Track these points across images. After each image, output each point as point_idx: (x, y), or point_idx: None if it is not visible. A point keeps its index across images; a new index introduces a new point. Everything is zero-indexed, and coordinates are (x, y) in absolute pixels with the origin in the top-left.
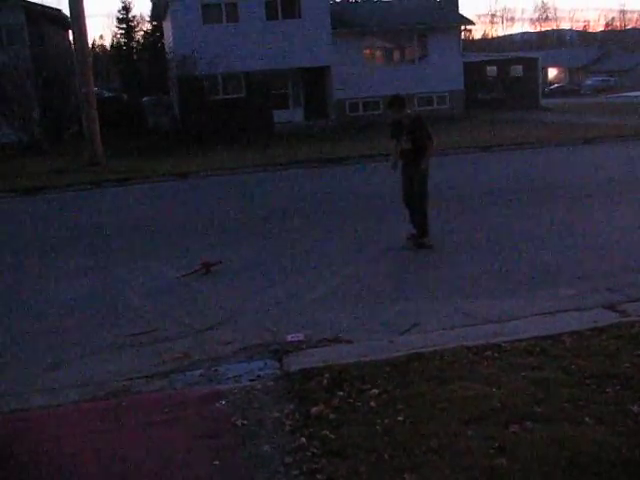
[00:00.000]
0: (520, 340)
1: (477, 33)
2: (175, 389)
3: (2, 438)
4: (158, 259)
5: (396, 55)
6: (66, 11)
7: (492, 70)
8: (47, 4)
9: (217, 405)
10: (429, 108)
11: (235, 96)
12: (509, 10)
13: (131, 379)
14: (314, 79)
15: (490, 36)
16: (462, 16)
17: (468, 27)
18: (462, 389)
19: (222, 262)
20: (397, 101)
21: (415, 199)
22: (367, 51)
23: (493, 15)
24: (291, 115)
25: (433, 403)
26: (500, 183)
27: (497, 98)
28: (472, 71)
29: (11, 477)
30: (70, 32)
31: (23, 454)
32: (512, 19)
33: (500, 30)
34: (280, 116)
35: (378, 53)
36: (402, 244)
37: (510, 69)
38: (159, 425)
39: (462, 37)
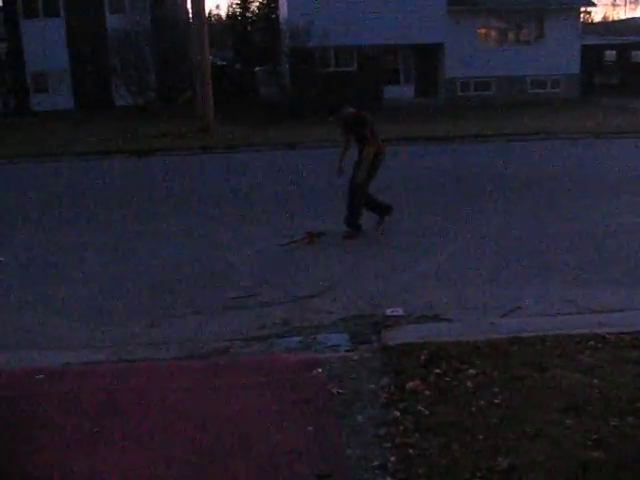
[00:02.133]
0: (626, 333)
1: (597, 16)
2: (273, 353)
3: (107, 385)
4: (262, 225)
5: (511, 35)
6: None
7: (611, 54)
8: None
9: (314, 372)
10: (542, 91)
11: (346, 69)
12: None
13: (230, 341)
14: (427, 56)
15: (611, 19)
16: None
17: (588, 9)
18: (562, 377)
19: (326, 234)
20: (331, 108)
21: (357, 186)
22: (482, 30)
23: None
24: (401, 91)
25: (531, 389)
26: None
27: (615, 84)
28: (590, 55)
29: (115, 423)
30: (188, 1)
31: (126, 403)
32: (636, 1)
33: (622, 13)
34: (390, 92)
35: (493, 32)
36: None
37: (630, 54)
38: (255, 387)
39: (581, 19)
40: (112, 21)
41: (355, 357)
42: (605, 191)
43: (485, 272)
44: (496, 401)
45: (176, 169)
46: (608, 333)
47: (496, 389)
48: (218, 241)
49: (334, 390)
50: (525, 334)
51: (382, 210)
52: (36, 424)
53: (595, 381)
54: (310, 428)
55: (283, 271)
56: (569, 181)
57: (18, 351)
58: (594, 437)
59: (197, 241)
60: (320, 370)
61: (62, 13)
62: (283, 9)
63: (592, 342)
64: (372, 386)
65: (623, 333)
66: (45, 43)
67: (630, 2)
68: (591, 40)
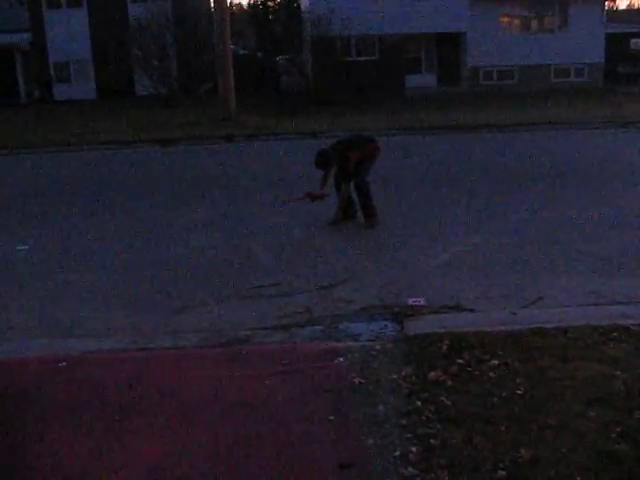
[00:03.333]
0: None
1: (623, 3)
2: (295, 342)
3: (130, 373)
4: (285, 214)
5: (534, 23)
6: None
7: (637, 42)
8: None
9: (335, 362)
10: (565, 80)
11: (368, 58)
12: None
13: (253, 329)
14: (448, 45)
15: (637, 6)
16: None
17: None
18: (585, 369)
19: (328, 195)
20: (322, 160)
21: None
22: (504, 18)
23: None
24: (423, 80)
25: (554, 380)
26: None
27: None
28: (614, 43)
29: (137, 412)
30: None
31: (147, 391)
32: None
33: None
34: (412, 81)
35: (516, 21)
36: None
37: None
38: (277, 376)
39: (606, 7)
40: (134, 10)
41: (377, 347)
42: (631, 181)
43: (508, 263)
44: (518, 392)
45: (198, 158)
46: (632, 324)
47: (518, 380)
48: (241, 230)
49: (356, 379)
50: (547, 325)
51: (347, 213)
52: (58, 412)
53: (619, 373)
54: (332, 417)
55: (305, 260)
56: (595, 171)
57: (40, 338)
58: (618, 429)
59: (220, 229)
60: (342, 359)
61: (85, 3)
62: None
63: (615, 334)
64: (394, 376)
65: None
66: (68, 33)
67: None
68: (616, 28)
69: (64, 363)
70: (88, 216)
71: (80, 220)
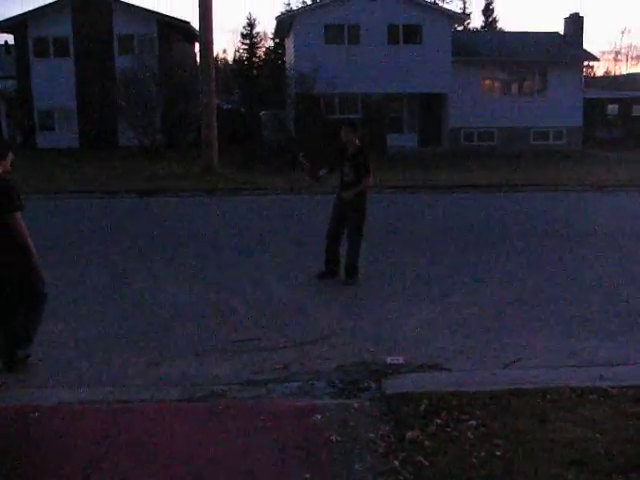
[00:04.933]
0: (628, 387)
1: (600, 70)
2: (272, 399)
3: (105, 425)
4: (264, 269)
5: (515, 87)
6: (194, 24)
7: (613, 108)
8: (178, 17)
9: (312, 419)
10: (544, 143)
11: (351, 117)
12: (635, 48)
13: (230, 384)
14: (431, 105)
15: (613, 73)
16: (586, 51)
17: (591, 63)
18: (564, 430)
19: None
20: (349, 126)
21: (351, 234)
22: (486, 81)
23: (618, 52)
24: (405, 140)
25: (533, 441)
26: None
27: (616, 137)
28: (592, 108)
29: (108, 466)
30: (196, 45)
31: (120, 445)
32: (638, 57)
33: (624, 68)
34: (394, 140)
35: (497, 84)
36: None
37: (632, 108)
38: (253, 432)
39: (584, 73)
40: (121, 62)
41: (355, 405)
42: (611, 244)
43: (488, 322)
44: (497, 453)
45: (179, 210)
46: (610, 387)
47: (497, 441)
48: (220, 283)
49: (333, 437)
50: (526, 386)
51: (330, 270)
52: (28, 464)
53: (597, 435)
54: (307, 475)
55: (284, 315)
56: (574, 232)
57: (14, 388)
58: None
59: (199, 283)
60: (319, 417)
61: (72, 54)
62: (290, 55)
63: (594, 395)
64: (371, 435)
65: (625, 387)
66: (54, 82)
67: (632, 57)
68: (593, 94)
69: (36, 414)
70: (65, 265)
71: (57, 268)
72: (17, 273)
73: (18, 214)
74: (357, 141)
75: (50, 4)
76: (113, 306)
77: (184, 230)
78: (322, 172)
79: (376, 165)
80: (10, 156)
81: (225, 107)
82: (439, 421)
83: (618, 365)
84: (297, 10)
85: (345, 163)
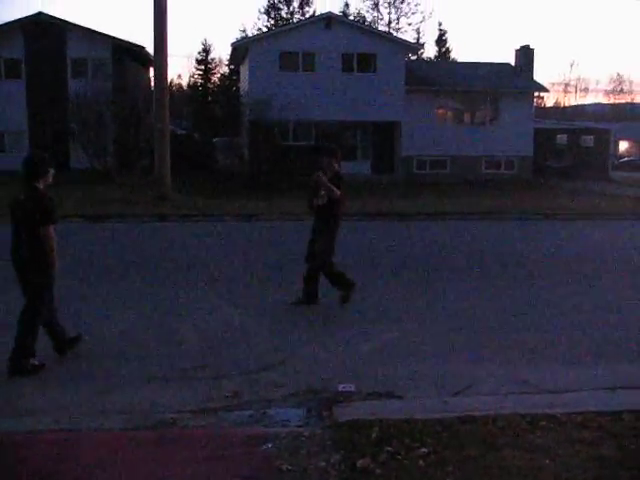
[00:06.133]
0: (577, 413)
1: (550, 100)
2: (222, 427)
3: (50, 455)
4: (215, 296)
5: (467, 116)
6: (149, 49)
7: (562, 138)
8: (132, 41)
9: (263, 447)
10: (496, 171)
11: (305, 143)
12: (583, 80)
13: (179, 412)
14: (384, 134)
15: (562, 104)
16: (536, 82)
17: (541, 94)
18: (514, 457)
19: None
20: (332, 151)
21: (315, 256)
22: (438, 110)
23: (567, 84)
24: (358, 167)
25: (484, 468)
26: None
27: (566, 167)
28: (542, 138)
29: None
30: (151, 70)
31: (69, 473)
32: (586, 89)
33: (573, 99)
34: (347, 167)
35: (450, 113)
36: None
37: (581, 139)
38: (203, 462)
39: (534, 104)
40: (74, 85)
41: (305, 433)
42: (561, 272)
43: (439, 350)
44: None
45: (130, 236)
46: (559, 413)
47: (448, 468)
48: (170, 310)
49: (284, 466)
50: (477, 413)
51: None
52: None
53: (547, 462)
54: None
55: (235, 342)
56: (526, 260)
57: None
58: None
59: (148, 309)
60: (270, 445)
61: (24, 76)
62: (244, 82)
63: (544, 422)
64: (322, 463)
65: (574, 413)
66: (4, 104)
67: (580, 89)
68: (543, 124)
69: None
70: (9, 290)
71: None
72: (40, 281)
73: (51, 227)
74: (337, 166)
75: (1, 25)
76: None
77: (132, 256)
78: (318, 201)
79: None
80: (51, 172)
81: (179, 132)
82: (390, 449)
83: (567, 392)
84: (252, 37)
85: (321, 188)
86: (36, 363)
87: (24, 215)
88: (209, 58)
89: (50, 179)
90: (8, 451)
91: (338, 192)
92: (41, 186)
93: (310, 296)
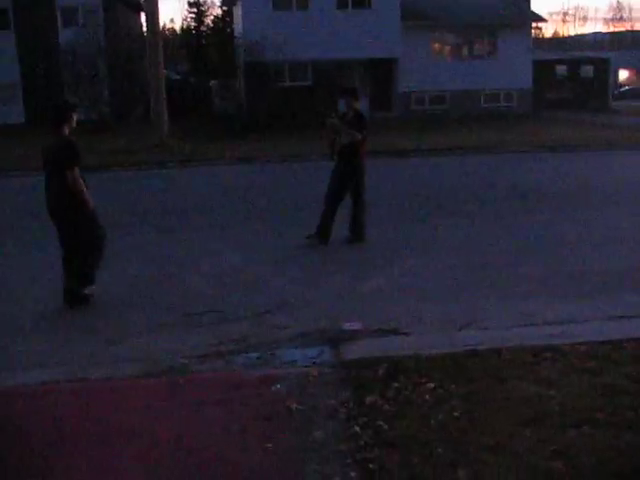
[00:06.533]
0: (581, 343)
1: (548, 31)
2: (232, 370)
3: (63, 405)
4: (218, 241)
5: (464, 50)
6: None
7: (562, 69)
8: None
9: (273, 388)
10: (495, 105)
11: (301, 84)
12: (582, 9)
13: (188, 358)
14: (381, 70)
15: (561, 35)
16: (534, 13)
17: (539, 25)
18: (520, 389)
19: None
20: (353, 91)
21: (330, 194)
22: (436, 45)
23: (565, 13)
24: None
25: (490, 401)
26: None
27: (566, 98)
28: (541, 70)
29: (70, 445)
30: (142, 15)
31: (81, 424)
32: (585, 18)
33: (572, 29)
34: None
35: (447, 47)
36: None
37: (580, 69)
38: (214, 405)
39: (533, 35)
40: (65, 35)
41: (314, 372)
42: (565, 205)
43: (443, 286)
44: (455, 414)
45: (130, 184)
46: (564, 344)
47: (455, 402)
48: (173, 257)
49: (293, 406)
50: (482, 347)
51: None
52: None
53: (552, 392)
54: (270, 445)
55: (240, 287)
56: (528, 194)
57: None
58: (553, 448)
59: (153, 257)
60: (279, 386)
61: (12, 26)
62: (238, 23)
63: (548, 354)
64: (331, 401)
65: (578, 344)
66: None
67: (579, 18)
68: (542, 55)
69: None
70: (17, 243)
71: (6, 247)
72: (76, 220)
73: (76, 169)
74: (357, 105)
75: None
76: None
77: (135, 204)
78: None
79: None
80: (74, 117)
81: (174, 78)
82: (397, 385)
83: (570, 323)
84: None
85: (344, 127)
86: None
87: (53, 160)
88: (201, 0)
89: (74, 123)
90: (20, 403)
91: (358, 135)
92: (66, 131)
93: (323, 232)
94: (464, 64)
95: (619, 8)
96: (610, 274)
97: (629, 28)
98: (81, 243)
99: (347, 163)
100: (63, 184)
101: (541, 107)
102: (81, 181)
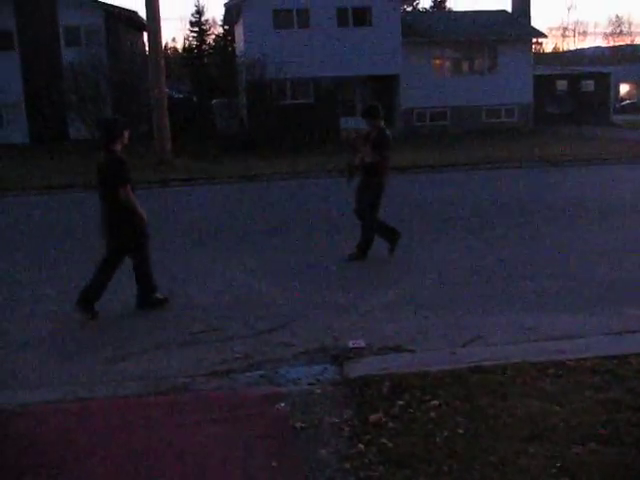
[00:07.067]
0: (585, 359)
1: (548, 46)
2: (235, 388)
3: (66, 424)
4: (223, 259)
5: (465, 66)
6: (142, 13)
7: (562, 84)
8: (124, 6)
9: (276, 406)
10: (496, 120)
11: (303, 102)
12: (582, 24)
13: (192, 376)
14: (382, 87)
15: (561, 50)
16: (534, 28)
17: (539, 40)
18: (524, 405)
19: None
20: (373, 111)
21: (364, 212)
22: (436, 61)
23: (565, 29)
24: (357, 122)
25: (494, 418)
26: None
27: (567, 113)
28: (542, 85)
29: (72, 459)
30: (144, 34)
31: (86, 440)
32: (584, 33)
33: (572, 44)
34: (347, 123)
35: (447, 63)
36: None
37: (581, 84)
38: (218, 423)
39: (533, 50)
40: (68, 54)
41: (317, 390)
42: (567, 219)
43: (447, 302)
44: (460, 431)
45: None
46: (568, 359)
47: (460, 419)
48: (178, 275)
49: (297, 424)
50: (486, 363)
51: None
52: None
53: (557, 408)
54: (274, 464)
55: (244, 305)
56: (531, 208)
57: None
58: (559, 464)
59: (157, 275)
60: (283, 404)
61: (16, 47)
62: (239, 42)
63: (552, 369)
64: (335, 419)
65: (583, 359)
66: None
67: (579, 33)
68: (543, 70)
69: None
70: (19, 261)
71: (10, 264)
72: (134, 234)
73: (128, 187)
74: (381, 123)
75: None
76: (68, 302)
77: None
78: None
79: (328, 149)
80: (126, 133)
81: (176, 96)
82: (401, 402)
83: (574, 338)
84: None
85: (367, 144)
86: (160, 297)
87: (104, 178)
88: (203, 19)
89: (126, 140)
90: (23, 422)
91: (377, 157)
92: (118, 148)
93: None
94: (465, 80)
95: (618, 22)
96: (614, 286)
97: (629, 42)
98: (136, 256)
99: (371, 178)
100: (115, 204)
101: (542, 122)
102: (133, 196)
